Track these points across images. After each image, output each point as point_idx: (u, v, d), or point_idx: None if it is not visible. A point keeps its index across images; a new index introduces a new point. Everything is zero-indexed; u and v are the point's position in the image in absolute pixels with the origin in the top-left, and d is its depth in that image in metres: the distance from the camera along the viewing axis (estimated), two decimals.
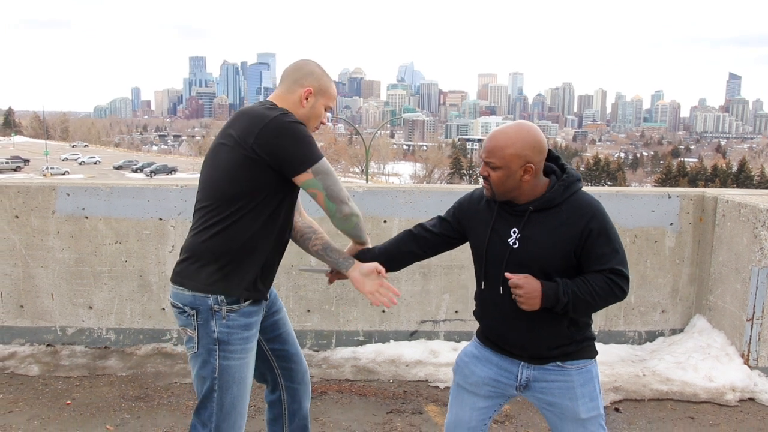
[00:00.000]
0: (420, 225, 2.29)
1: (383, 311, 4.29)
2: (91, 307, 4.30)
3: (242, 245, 2.11)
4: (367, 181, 30.73)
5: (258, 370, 2.41)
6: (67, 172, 66.44)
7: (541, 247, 1.97)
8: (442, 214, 2.29)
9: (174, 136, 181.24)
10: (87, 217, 4.21)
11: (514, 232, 2.01)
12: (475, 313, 2.20)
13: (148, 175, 66.51)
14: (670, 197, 4.36)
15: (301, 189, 2.18)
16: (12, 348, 4.27)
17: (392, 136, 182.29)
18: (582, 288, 1.92)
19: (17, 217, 4.21)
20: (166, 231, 4.23)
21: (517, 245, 2.00)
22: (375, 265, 2.25)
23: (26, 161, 76.67)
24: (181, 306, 2.17)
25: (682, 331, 4.45)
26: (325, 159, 2.13)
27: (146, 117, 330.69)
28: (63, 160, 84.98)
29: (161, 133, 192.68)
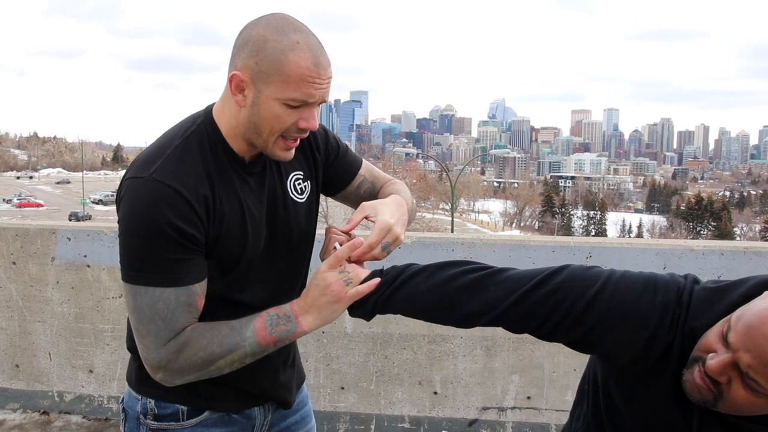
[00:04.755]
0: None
1: (435, 393, 3.42)
2: (91, 371, 3.67)
3: None
4: (452, 219, 29.78)
5: None
6: None
7: None
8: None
9: None
10: (89, 266, 3.60)
11: None
12: None
13: None
14: None
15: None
16: (2, 415, 3.68)
17: (483, 173, 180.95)
18: None
19: (14, 263, 3.65)
20: None
21: None
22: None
23: None
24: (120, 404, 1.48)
25: None
26: (149, 276, 1.21)
27: None
28: None
29: None
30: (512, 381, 3.37)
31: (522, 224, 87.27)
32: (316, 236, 1.59)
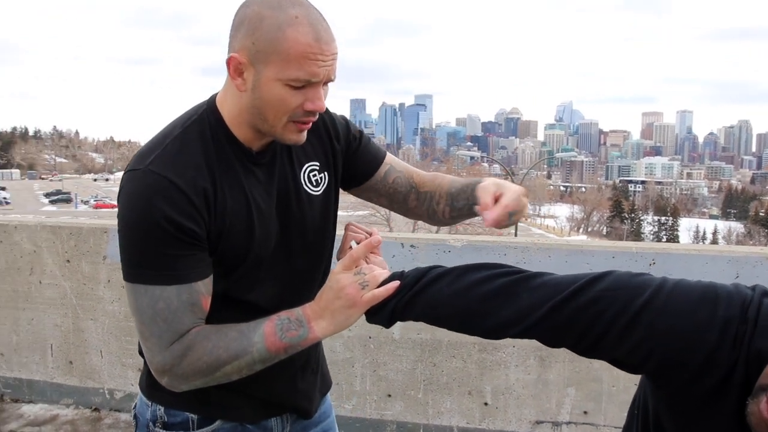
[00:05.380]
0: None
1: (485, 404, 3.25)
2: (140, 370, 3.67)
3: None
4: (516, 224, 29.10)
5: None
6: None
7: None
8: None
9: None
10: None
11: None
12: None
13: None
14: None
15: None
16: (56, 410, 3.74)
17: (549, 177, 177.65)
18: None
19: (68, 261, 3.70)
20: None
21: None
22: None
23: None
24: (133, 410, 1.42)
25: None
26: (148, 274, 1.13)
27: None
28: None
29: None
30: (568, 394, 3.17)
31: (589, 229, 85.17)
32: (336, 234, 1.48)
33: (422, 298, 1.15)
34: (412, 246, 3.24)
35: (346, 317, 1.17)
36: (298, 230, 1.32)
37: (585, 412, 3.16)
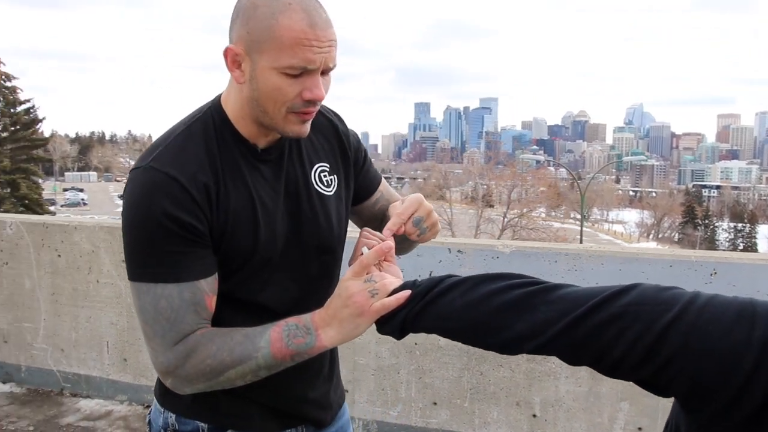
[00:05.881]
0: None
1: (534, 416, 3.15)
2: None
3: None
4: (581, 229, 28.49)
5: None
6: None
7: None
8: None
9: (398, 178, 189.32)
10: None
11: None
12: None
13: None
14: None
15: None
16: (110, 405, 3.84)
17: (617, 181, 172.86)
18: None
19: (124, 261, 3.79)
20: None
21: None
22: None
23: None
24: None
25: None
26: (152, 273, 1.12)
27: (373, 160, 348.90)
28: None
29: (386, 175, 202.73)
30: (621, 409, 3.03)
31: (660, 236, 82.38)
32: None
33: (433, 309, 1.09)
34: (459, 251, 3.18)
35: (355, 326, 1.12)
36: (310, 230, 1.28)
37: (639, 429, 3.01)
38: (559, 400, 3.10)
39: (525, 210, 36.03)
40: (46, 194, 45.40)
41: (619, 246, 4.04)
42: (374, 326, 1.15)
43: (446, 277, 1.12)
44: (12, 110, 33.16)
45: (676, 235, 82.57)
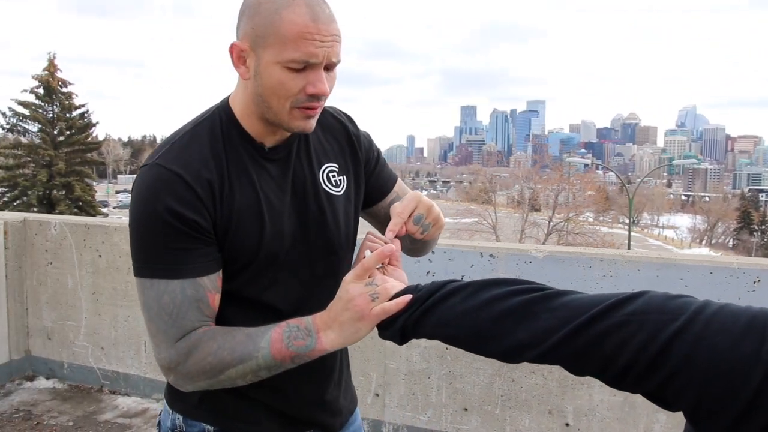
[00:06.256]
0: None
1: (566, 424, 3.07)
2: None
3: None
4: (629, 233, 27.82)
5: None
6: None
7: None
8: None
9: (443, 181, 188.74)
10: None
11: None
12: None
13: None
14: None
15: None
16: (146, 403, 3.91)
17: (669, 185, 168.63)
18: None
19: None
20: None
21: None
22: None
23: None
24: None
25: None
26: (157, 269, 1.12)
27: (419, 163, 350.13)
28: None
29: (431, 179, 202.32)
30: (657, 420, 2.93)
31: (713, 241, 79.98)
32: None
33: (433, 314, 1.06)
34: (491, 255, 3.12)
35: (355, 330, 1.10)
36: (317, 229, 1.27)
37: None
38: (593, 409, 3.02)
39: (571, 214, 35.40)
40: (100, 196, 46.76)
41: (656, 251, 3.90)
42: (376, 330, 1.13)
43: (448, 282, 1.09)
44: (68, 115, 34.21)
45: (731, 240, 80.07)
